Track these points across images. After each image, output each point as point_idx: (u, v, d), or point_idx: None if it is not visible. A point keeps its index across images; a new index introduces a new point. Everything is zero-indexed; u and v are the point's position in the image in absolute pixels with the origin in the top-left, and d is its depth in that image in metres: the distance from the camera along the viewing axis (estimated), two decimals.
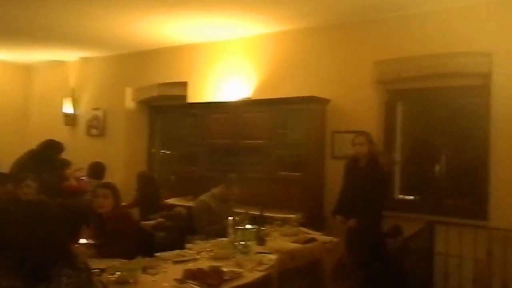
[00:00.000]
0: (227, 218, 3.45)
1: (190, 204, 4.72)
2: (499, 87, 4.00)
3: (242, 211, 3.73)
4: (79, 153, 6.54)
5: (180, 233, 3.64)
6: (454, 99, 4.49)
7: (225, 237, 3.34)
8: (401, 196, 4.74)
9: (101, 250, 3.00)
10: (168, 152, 6.94)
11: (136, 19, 5.10)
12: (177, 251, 2.99)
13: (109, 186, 3.27)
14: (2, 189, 3.84)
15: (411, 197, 4.68)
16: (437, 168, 4.50)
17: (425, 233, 3.93)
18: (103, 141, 7.01)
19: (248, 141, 5.08)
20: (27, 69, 8.16)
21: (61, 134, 6.89)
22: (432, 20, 4.33)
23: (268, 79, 5.38)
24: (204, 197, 4.16)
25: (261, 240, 3.39)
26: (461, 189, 4.44)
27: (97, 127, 7.09)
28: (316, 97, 4.75)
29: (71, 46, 6.65)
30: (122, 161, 6.75)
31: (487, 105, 4.09)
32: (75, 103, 7.39)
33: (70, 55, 7.32)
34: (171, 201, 5.37)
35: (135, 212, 5.00)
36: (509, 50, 3.95)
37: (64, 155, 5.47)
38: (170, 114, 6.81)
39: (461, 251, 4.05)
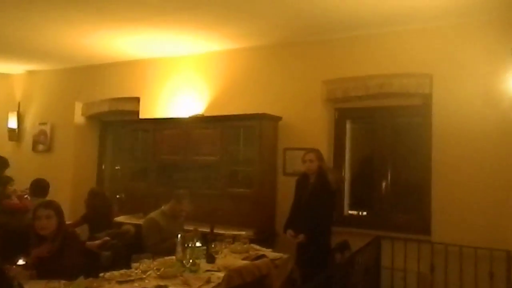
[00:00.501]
0: (177, 235, 3.39)
1: (140, 221, 4.60)
2: (438, 107, 4.21)
3: (192, 228, 3.68)
4: (24, 169, 6.26)
5: (128, 252, 3.53)
6: (399, 118, 4.69)
7: (174, 255, 3.28)
8: (350, 212, 4.85)
9: (42, 270, 2.86)
10: (119, 168, 6.77)
11: (86, 33, 5.01)
12: (122, 271, 2.90)
13: (52, 206, 3.13)
14: None
15: (360, 213, 4.81)
16: (384, 184, 4.65)
17: (372, 248, 4.03)
18: (50, 157, 6.75)
19: (200, 157, 5.06)
20: None
21: (4, 149, 6.58)
22: (379, 42, 4.53)
23: (220, 96, 5.41)
24: (153, 214, 4.07)
25: (210, 258, 3.36)
26: (406, 204, 4.60)
27: (44, 143, 6.83)
28: (267, 114, 4.82)
29: (17, 58, 6.42)
30: (71, 177, 6.52)
31: (429, 124, 4.29)
32: (20, 118, 7.09)
33: (15, 68, 7.05)
34: (120, 218, 5.22)
35: (84, 229, 4.82)
36: (448, 72, 4.18)
37: (8, 172, 5.22)
38: (121, 129, 6.67)
39: (406, 265, 4.19)
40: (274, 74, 5.09)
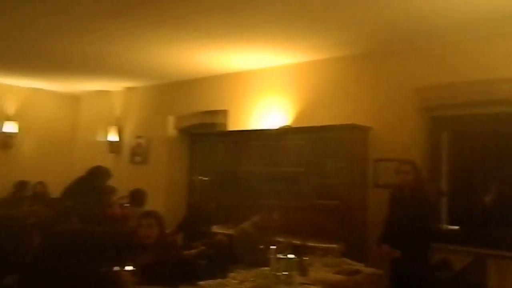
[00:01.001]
0: (268, 247, 3.40)
1: (230, 231, 4.71)
2: None
3: (282, 240, 3.68)
4: (123, 180, 6.68)
5: (222, 261, 3.62)
6: (503, 126, 4.32)
7: (266, 266, 3.29)
8: (447, 227, 4.55)
9: (146, 277, 3.02)
10: (209, 179, 6.98)
11: (178, 50, 5.27)
12: (219, 280, 2.97)
13: (153, 215, 3.30)
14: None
15: (460, 228, 4.48)
16: (487, 198, 4.30)
17: (476, 267, 3.73)
18: (146, 168, 7.17)
19: (287, 169, 5.06)
20: (74, 99, 8.53)
21: (105, 161, 7.09)
22: (473, 47, 4.25)
23: (308, 107, 5.39)
24: (244, 225, 4.14)
25: (303, 271, 3.33)
26: None
27: (140, 155, 7.28)
28: (357, 124, 4.70)
29: (116, 76, 6.93)
30: (164, 187, 6.87)
31: None
32: (119, 131, 7.63)
33: (115, 85, 7.61)
34: (211, 228, 5.37)
35: (179, 238, 5.03)
36: None
37: (109, 182, 5.60)
38: (210, 141, 6.89)
39: None
40: (363, 83, 4.97)
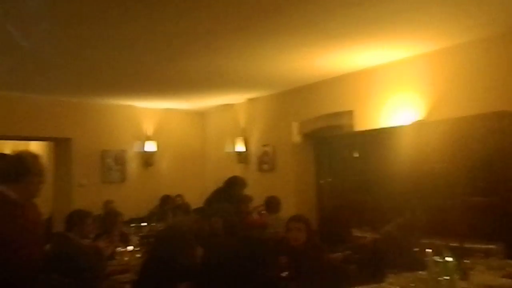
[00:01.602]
0: (421, 249, 3.20)
1: (369, 234, 4.56)
2: None
3: (427, 241, 3.44)
4: (252, 188, 6.92)
5: (370, 266, 3.50)
6: None
7: (415, 270, 3.09)
8: None
9: (296, 282, 3.04)
10: (338, 182, 6.88)
11: (298, 56, 5.29)
12: (374, 286, 2.86)
13: (302, 219, 3.34)
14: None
15: None
16: None
17: None
18: (274, 175, 7.33)
19: (429, 166, 4.73)
20: (201, 115, 9.08)
21: (235, 171, 7.41)
22: None
23: (444, 98, 5.00)
24: (389, 227, 3.96)
25: (464, 275, 3.06)
26: None
27: (268, 163, 7.46)
28: (508, 111, 4.23)
29: (239, 89, 7.21)
30: (293, 193, 6.93)
31: None
32: (245, 142, 7.92)
33: (238, 98, 7.93)
34: (351, 231, 5.25)
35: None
36: None
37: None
38: (337, 144, 6.79)
39: None
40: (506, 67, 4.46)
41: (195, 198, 7.25)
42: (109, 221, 5.02)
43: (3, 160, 2.82)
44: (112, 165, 7.81)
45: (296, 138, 7.11)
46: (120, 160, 7.92)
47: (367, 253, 3.94)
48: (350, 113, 6.11)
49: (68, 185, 7.37)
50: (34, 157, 2.82)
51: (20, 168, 2.69)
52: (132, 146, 8.12)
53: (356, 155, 5.77)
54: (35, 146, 8.49)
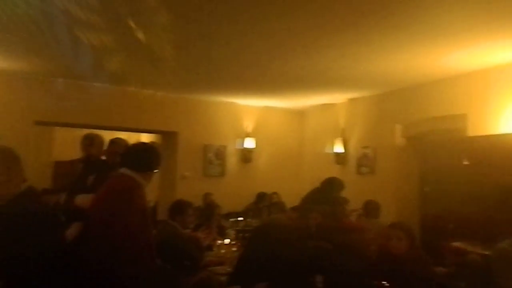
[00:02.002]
0: None
1: (476, 249, 4.16)
2: None
3: None
4: (350, 191, 6.72)
5: (479, 285, 3.18)
6: None
7: None
8: None
9: None
10: (443, 190, 6.39)
11: (405, 55, 5.01)
12: None
13: (403, 228, 3.14)
14: None
15: None
16: None
17: None
18: (373, 179, 7.04)
19: None
20: (301, 114, 9.05)
21: (332, 172, 7.25)
22: None
23: None
24: (504, 244, 3.56)
25: None
26: None
27: (367, 165, 7.20)
28: None
29: (340, 89, 7.04)
30: (393, 198, 6.60)
31: None
32: (344, 143, 7.73)
33: (338, 98, 7.75)
34: (457, 244, 4.85)
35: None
36: None
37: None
38: (445, 149, 6.32)
39: None
40: None
41: (290, 197, 7.25)
42: (208, 213, 5.23)
43: (138, 148, 3.01)
44: (213, 159, 8.12)
45: (399, 141, 6.75)
46: (220, 155, 8.20)
47: (476, 271, 3.59)
48: (463, 116, 5.63)
49: (173, 176, 7.81)
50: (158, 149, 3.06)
51: (154, 159, 2.89)
52: (232, 142, 8.35)
53: (466, 162, 5.30)
54: (145, 138, 9.14)
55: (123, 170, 2.81)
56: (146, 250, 2.70)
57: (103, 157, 4.15)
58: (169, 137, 7.98)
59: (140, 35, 4.45)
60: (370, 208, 5.25)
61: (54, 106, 6.46)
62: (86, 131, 4.94)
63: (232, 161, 8.35)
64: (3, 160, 2.00)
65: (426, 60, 5.18)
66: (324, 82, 6.58)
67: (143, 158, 2.85)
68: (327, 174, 6.39)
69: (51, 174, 9.45)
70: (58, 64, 5.67)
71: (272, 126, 8.76)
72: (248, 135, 8.41)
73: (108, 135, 4.76)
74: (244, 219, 6.73)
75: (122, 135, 9.80)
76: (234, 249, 4.50)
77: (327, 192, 5.39)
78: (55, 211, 2.39)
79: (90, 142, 4.16)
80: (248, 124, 8.48)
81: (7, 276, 1.45)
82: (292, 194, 7.29)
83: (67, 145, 9.15)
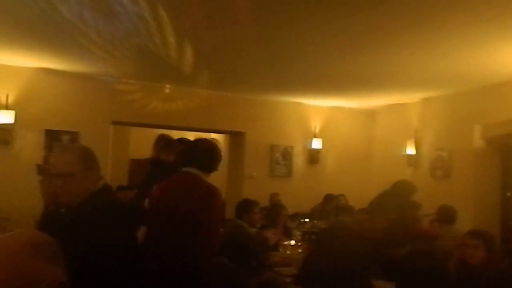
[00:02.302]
0: None
1: None
2: None
3: None
4: (422, 194, 6.39)
5: None
6: None
7: None
8: None
9: None
10: None
11: (484, 52, 4.71)
12: None
13: (482, 236, 2.93)
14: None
15: None
16: None
17: None
18: (448, 183, 6.66)
19: None
20: (370, 114, 8.78)
21: (403, 175, 6.96)
22: None
23: None
24: None
25: None
26: None
27: (442, 168, 6.82)
28: None
29: (413, 88, 6.74)
30: (470, 204, 6.19)
31: None
32: (417, 144, 7.38)
33: (410, 97, 7.43)
34: None
35: None
36: None
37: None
38: None
39: None
40: None
41: (358, 199, 7.04)
42: (275, 213, 5.23)
43: (205, 147, 2.93)
44: (279, 159, 8.12)
45: (478, 143, 6.32)
46: (287, 155, 8.18)
47: None
48: None
49: (240, 175, 7.91)
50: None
51: (216, 158, 2.86)
52: (299, 143, 8.30)
53: None
54: (214, 137, 9.35)
55: (191, 170, 2.79)
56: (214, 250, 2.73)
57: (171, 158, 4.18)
58: (236, 137, 8.11)
59: (211, 37, 4.57)
60: (445, 214, 4.95)
61: (129, 107, 6.84)
62: (160, 131, 5.12)
63: (299, 161, 8.30)
64: (82, 159, 2.10)
65: (509, 56, 4.80)
66: (395, 81, 6.34)
67: (211, 158, 2.83)
68: (398, 176, 6.13)
69: (127, 171, 9.96)
70: (133, 67, 5.97)
71: (340, 126, 8.59)
72: (315, 136, 8.31)
73: (177, 135, 4.95)
74: (310, 220, 6.67)
75: (190, 135, 10.17)
76: (299, 250, 4.47)
77: (398, 195, 5.16)
78: (131, 208, 2.47)
79: (161, 143, 4.24)
80: (316, 125, 8.38)
81: (83, 272, 1.50)
82: (360, 197, 7.07)
83: (142, 143, 9.64)
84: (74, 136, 6.48)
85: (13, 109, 6.04)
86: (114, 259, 1.87)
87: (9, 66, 6.06)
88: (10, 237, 1.17)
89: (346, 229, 3.65)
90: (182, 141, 4.15)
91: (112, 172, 7.47)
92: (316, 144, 8.28)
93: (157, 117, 7.12)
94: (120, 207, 2.32)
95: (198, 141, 3.04)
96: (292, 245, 4.54)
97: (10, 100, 6.05)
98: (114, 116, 6.86)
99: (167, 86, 6.99)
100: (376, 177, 8.21)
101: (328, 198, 7.70)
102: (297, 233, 5.60)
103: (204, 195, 2.69)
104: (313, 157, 8.33)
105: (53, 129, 6.37)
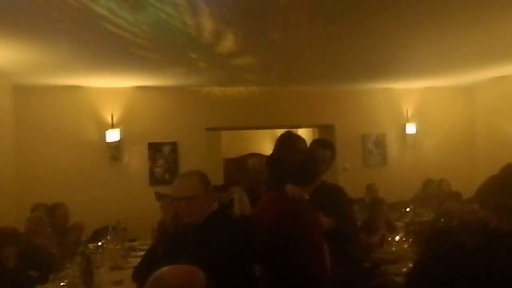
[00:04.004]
0: None
1: None
2: None
3: None
4: None
5: None
6: None
7: None
8: None
9: None
10: None
11: None
12: None
13: None
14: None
15: None
16: None
17: None
18: None
19: None
20: (468, 90, 8.20)
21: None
22: None
23: None
24: None
25: None
26: None
27: None
28: None
29: None
30: None
31: None
32: None
33: None
34: None
35: None
36: None
37: None
38: None
39: None
40: None
41: (462, 184, 6.63)
42: (374, 209, 5.12)
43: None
44: (372, 148, 7.92)
45: None
46: (380, 143, 7.95)
47: None
48: None
49: (334, 169, 7.82)
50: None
51: (314, 170, 2.60)
52: (391, 129, 8.02)
53: None
54: (300, 133, 9.36)
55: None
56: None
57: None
58: (325, 130, 8.04)
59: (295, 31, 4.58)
60: None
61: (220, 112, 7.13)
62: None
63: (393, 148, 8.03)
64: (202, 182, 2.34)
65: None
66: (493, 54, 5.85)
67: (311, 171, 2.59)
68: (507, 159, 5.64)
69: (222, 171, 10.38)
70: (221, 74, 6.21)
71: (434, 107, 8.14)
72: (408, 120, 7.97)
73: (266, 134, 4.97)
74: (412, 209, 6.42)
75: (278, 132, 10.27)
76: (405, 245, 4.33)
77: (510, 181, 4.75)
78: (245, 226, 2.50)
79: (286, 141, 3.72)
80: (408, 109, 8.03)
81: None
82: (463, 181, 6.66)
83: (233, 144, 9.97)
84: (173, 147, 6.92)
85: (118, 127, 6.60)
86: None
87: (111, 88, 6.63)
88: (170, 272, 1.36)
89: (457, 225, 3.46)
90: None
91: (208, 173, 7.81)
92: (410, 129, 7.94)
93: (246, 119, 7.34)
94: (238, 223, 2.51)
95: (296, 152, 2.87)
96: (397, 241, 4.41)
97: (115, 119, 6.62)
98: (207, 123, 7.18)
99: (249, 88, 7.17)
100: (480, 160, 7.68)
101: (428, 183, 7.36)
102: (400, 224, 5.44)
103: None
104: (408, 142, 8.00)
105: (155, 141, 6.85)
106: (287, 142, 3.04)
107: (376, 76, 7.11)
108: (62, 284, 3.06)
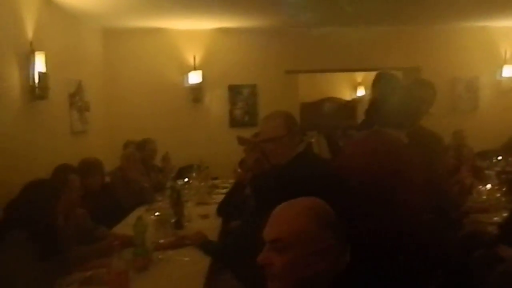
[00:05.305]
0: None
1: None
2: None
3: None
4: None
5: None
6: None
7: None
8: None
9: None
10: None
11: None
12: None
13: None
14: None
15: None
16: None
17: None
18: None
19: None
20: None
21: None
22: None
23: None
24: None
25: None
26: None
27: None
28: None
29: None
30: None
31: None
32: None
33: None
34: None
35: None
36: None
37: None
38: None
39: None
40: None
41: None
42: (461, 154, 4.86)
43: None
44: (463, 93, 7.39)
45: None
46: (472, 87, 7.39)
47: None
48: None
49: None
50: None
51: (414, 110, 2.41)
52: (485, 72, 7.38)
53: None
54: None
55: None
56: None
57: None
58: (410, 73, 7.56)
59: None
60: None
61: (300, 55, 6.96)
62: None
63: (486, 93, 7.42)
64: (287, 123, 2.27)
65: None
66: None
67: (410, 111, 2.37)
68: None
69: (299, 115, 10.29)
70: (307, 12, 5.99)
71: None
72: (506, 62, 7.26)
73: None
74: (503, 157, 6.00)
75: (360, 76, 9.85)
76: (497, 194, 4.09)
77: None
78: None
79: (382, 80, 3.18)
80: (506, 49, 7.29)
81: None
82: None
83: (310, 87, 9.78)
84: (253, 89, 6.94)
85: (200, 69, 6.71)
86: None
87: (193, 30, 6.69)
88: (296, 202, 1.38)
89: None
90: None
91: None
92: (508, 71, 7.24)
93: (326, 61, 7.11)
94: (325, 164, 2.46)
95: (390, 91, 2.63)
96: (488, 189, 4.17)
97: (197, 61, 6.73)
98: (286, 65, 7.06)
99: (334, 28, 6.84)
100: None
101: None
102: (491, 173, 5.12)
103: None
104: (504, 86, 7.33)
105: (235, 83, 6.90)
106: (384, 81, 2.85)
107: (471, 13, 6.46)
108: (156, 214, 3.26)
